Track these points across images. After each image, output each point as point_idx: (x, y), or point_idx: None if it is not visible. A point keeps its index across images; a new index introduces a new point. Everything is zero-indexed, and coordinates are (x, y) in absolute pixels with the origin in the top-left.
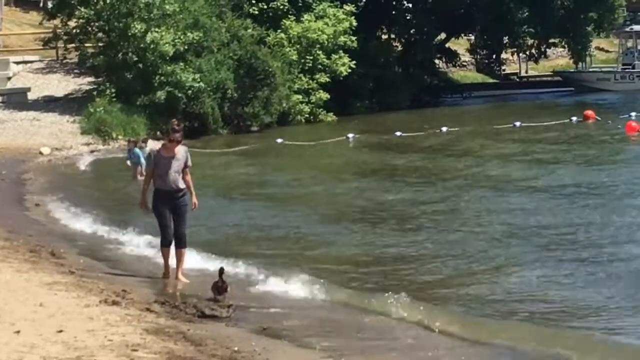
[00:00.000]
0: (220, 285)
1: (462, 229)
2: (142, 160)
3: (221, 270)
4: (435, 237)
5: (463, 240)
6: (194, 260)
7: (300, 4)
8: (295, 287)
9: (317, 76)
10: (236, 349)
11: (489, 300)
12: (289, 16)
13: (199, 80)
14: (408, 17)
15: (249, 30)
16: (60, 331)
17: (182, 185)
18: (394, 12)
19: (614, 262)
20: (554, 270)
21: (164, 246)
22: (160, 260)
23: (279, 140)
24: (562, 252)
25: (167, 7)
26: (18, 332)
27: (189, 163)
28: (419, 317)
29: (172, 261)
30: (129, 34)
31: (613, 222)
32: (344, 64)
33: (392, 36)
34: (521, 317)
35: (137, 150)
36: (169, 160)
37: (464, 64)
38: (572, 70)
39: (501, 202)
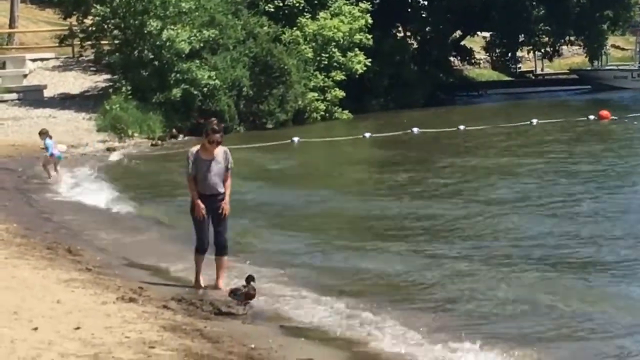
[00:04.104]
0: (252, 293)
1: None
2: (50, 150)
3: (251, 278)
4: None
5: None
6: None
7: (315, 2)
8: (312, 280)
9: (333, 74)
10: (253, 346)
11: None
12: (305, 14)
13: (214, 77)
14: (424, 15)
15: (265, 28)
16: (78, 328)
17: (222, 189)
18: (409, 10)
19: None
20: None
21: (199, 253)
22: (184, 259)
23: (295, 139)
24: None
25: (183, 4)
26: (36, 329)
27: (231, 165)
28: None
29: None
30: (145, 31)
31: None
32: (359, 62)
33: (408, 34)
34: None
35: (47, 141)
36: (209, 162)
37: (480, 61)
38: (589, 68)
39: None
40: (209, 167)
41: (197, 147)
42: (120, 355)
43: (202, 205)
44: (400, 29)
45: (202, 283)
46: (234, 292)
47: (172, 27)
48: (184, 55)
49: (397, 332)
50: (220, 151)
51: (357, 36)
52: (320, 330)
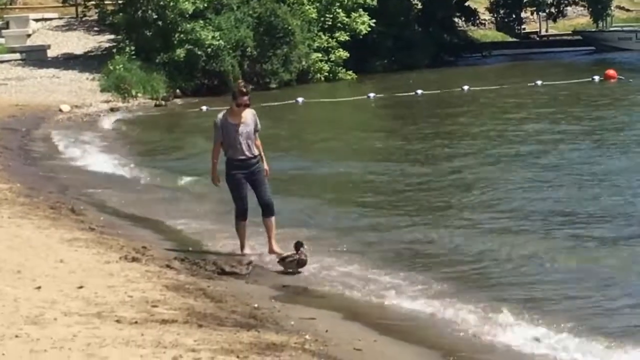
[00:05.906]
0: (304, 259)
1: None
2: None
3: (300, 244)
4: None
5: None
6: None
7: None
8: (315, 241)
9: (337, 34)
10: (256, 305)
11: None
12: None
13: (218, 38)
14: None
15: None
16: (81, 287)
17: (255, 151)
18: None
19: None
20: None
21: (240, 219)
22: (188, 219)
23: (300, 100)
24: None
25: None
26: (39, 287)
27: (259, 127)
28: None
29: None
30: None
31: None
32: (363, 22)
33: None
34: None
35: None
36: (237, 126)
37: (484, 22)
38: (593, 29)
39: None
40: (238, 131)
41: (223, 112)
42: (123, 314)
43: (217, 175)
44: None
45: (248, 251)
46: (283, 260)
47: None
48: (187, 16)
49: (403, 292)
50: (249, 114)
51: None
52: (322, 290)
